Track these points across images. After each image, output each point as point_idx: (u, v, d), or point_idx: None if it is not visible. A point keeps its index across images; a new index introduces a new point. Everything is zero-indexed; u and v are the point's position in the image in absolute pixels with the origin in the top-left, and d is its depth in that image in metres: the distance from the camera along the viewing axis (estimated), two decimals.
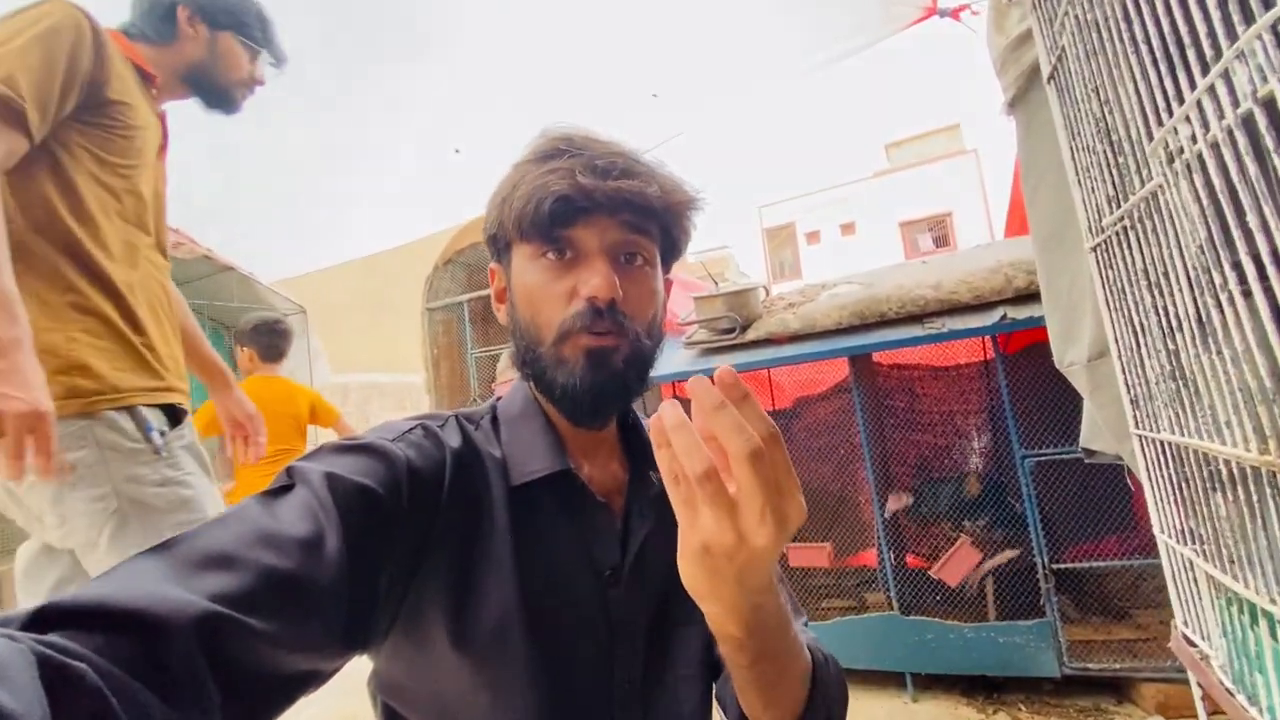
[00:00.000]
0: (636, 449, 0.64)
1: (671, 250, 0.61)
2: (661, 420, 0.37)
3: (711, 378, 0.36)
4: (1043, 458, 1.89)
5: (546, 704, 0.52)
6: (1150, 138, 0.45)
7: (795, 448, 2.77)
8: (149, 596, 0.33)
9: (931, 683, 2.08)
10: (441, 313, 3.45)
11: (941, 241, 16.86)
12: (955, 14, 2.53)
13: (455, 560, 0.52)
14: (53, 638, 0.29)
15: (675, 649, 0.61)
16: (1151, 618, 2.05)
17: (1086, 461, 0.89)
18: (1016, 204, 2.83)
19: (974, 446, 2.60)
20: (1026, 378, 2.05)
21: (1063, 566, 1.90)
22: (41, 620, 0.30)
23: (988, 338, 2.16)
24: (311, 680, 0.42)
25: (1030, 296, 1.93)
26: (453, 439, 0.56)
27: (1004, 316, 1.89)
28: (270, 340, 2.52)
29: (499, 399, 0.64)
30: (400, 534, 0.48)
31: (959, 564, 2.02)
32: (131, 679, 0.29)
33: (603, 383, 0.53)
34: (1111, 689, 1.92)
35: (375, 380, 7.23)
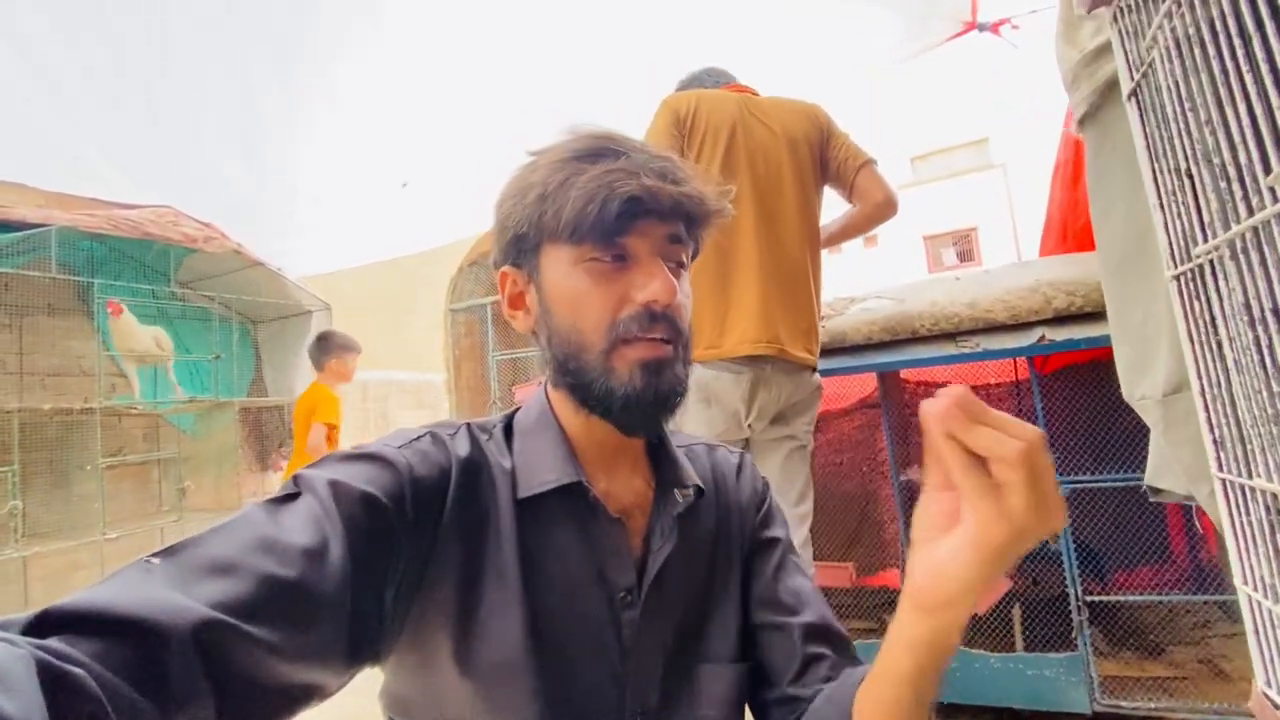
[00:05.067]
0: (663, 463, 0.61)
1: (695, 253, 0.60)
2: (945, 417, 0.36)
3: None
4: (1079, 485, 1.83)
5: None
6: (1266, 164, 0.41)
7: (818, 463, 2.72)
8: (148, 603, 0.32)
9: (955, 712, 2.02)
10: (464, 314, 3.46)
11: (966, 256, 16.66)
12: (995, 28, 2.48)
13: (460, 575, 0.50)
14: (52, 642, 0.29)
15: (700, 686, 0.57)
16: (1188, 655, 1.97)
17: (1152, 500, 0.85)
18: (1052, 222, 2.76)
19: None
20: (1061, 401, 1.99)
21: (1097, 599, 1.84)
22: (42, 625, 0.30)
23: (1021, 359, 2.10)
24: (314, 693, 0.41)
25: (1069, 318, 1.88)
26: (461, 448, 0.55)
27: (1042, 338, 1.84)
28: (311, 355, 3.06)
29: (517, 409, 0.62)
30: (405, 544, 0.47)
31: (988, 590, 1.96)
32: (128, 686, 0.29)
33: (666, 391, 0.52)
34: None
35: (395, 378, 7.29)
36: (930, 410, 0.37)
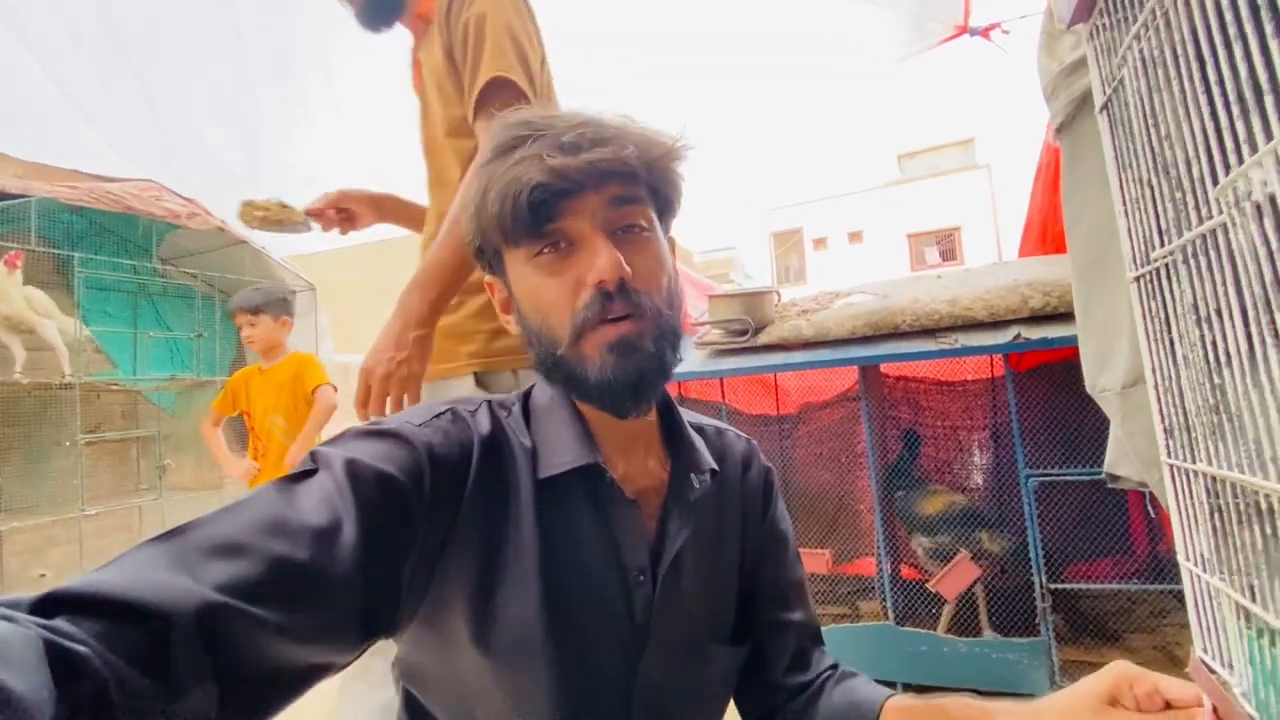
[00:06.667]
0: (678, 445, 0.62)
1: (666, 208, 0.58)
2: None
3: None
4: (1048, 478, 1.90)
5: (564, 704, 0.51)
6: (1214, 177, 0.46)
7: (799, 453, 2.79)
8: (153, 586, 0.33)
9: (922, 693, 2.10)
10: None
11: (948, 255, 16.87)
12: (985, 33, 2.53)
13: (479, 553, 0.51)
14: (58, 623, 0.29)
15: (710, 665, 0.60)
16: (1144, 642, 2.07)
17: (1110, 486, 0.90)
18: (1032, 225, 2.84)
19: (975, 462, 2.61)
20: (1034, 397, 2.06)
21: (1060, 587, 1.92)
22: (47, 605, 0.31)
23: (997, 355, 2.17)
24: (324, 670, 0.41)
25: (1045, 317, 1.94)
26: (483, 425, 0.55)
27: (1018, 335, 1.90)
28: None
29: (533, 386, 0.62)
30: (422, 523, 0.47)
31: (957, 578, 2.04)
32: (131, 668, 0.30)
33: (638, 368, 0.51)
34: None
35: None
36: None
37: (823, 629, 1.98)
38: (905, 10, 2.28)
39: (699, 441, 0.63)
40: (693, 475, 0.60)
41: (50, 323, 3.18)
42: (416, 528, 0.47)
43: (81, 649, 0.28)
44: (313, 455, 0.46)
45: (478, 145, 1.08)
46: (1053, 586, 1.90)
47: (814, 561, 2.42)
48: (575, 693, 0.52)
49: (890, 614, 2.10)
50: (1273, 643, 0.47)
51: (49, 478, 3.32)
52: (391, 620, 0.47)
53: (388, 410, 0.96)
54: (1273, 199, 0.39)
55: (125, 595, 0.31)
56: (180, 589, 0.33)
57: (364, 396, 0.97)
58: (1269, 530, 0.45)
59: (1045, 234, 2.57)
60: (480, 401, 0.59)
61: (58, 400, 3.27)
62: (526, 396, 0.61)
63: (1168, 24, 0.52)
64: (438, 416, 0.53)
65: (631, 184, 0.52)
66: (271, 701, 0.38)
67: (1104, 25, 0.67)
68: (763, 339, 2.33)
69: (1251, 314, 0.43)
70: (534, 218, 0.49)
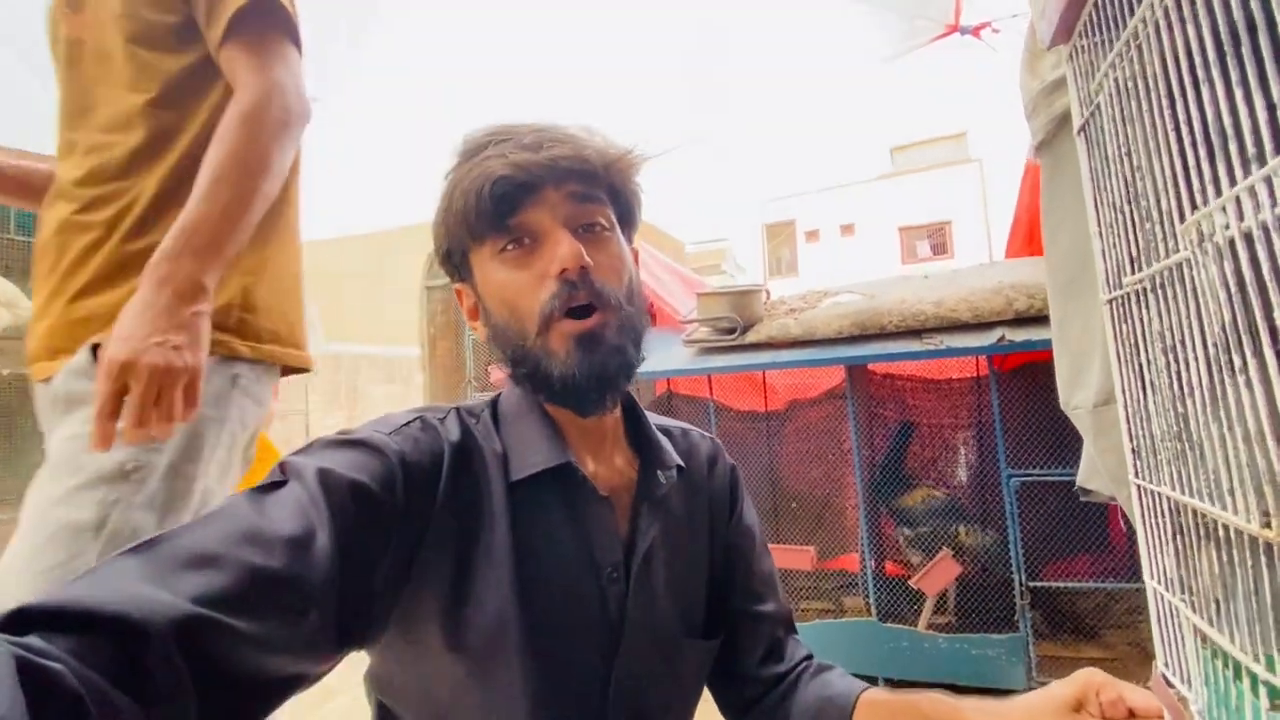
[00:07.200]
0: (644, 446, 0.63)
1: (627, 216, 0.59)
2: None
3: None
4: (1028, 478, 1.93)
5: (539, 701, 0.52)
6: (1180, 212, 0.47)
7: (786, 450, 2.81)
8: (128, 599, 0.33)
9: (898, 686, 2.13)
10: (441, 291, 3.43)
11: (939, 249, 16.93)
12: (976, 31, 2.53)
13: (453, 558, 0.52)
14: (30, 639, 0.29)
15: (683, 659, 0.61)
16: (1119, 638, 2.12)
17: (1082, 499, 0.92)
18: (1020, 223, 2.85)
19: (960, 460, 2.64)
20: (1017, 397, 2.09)
21: (1038, 585, 1.95)
22: (19, 621, 0.30)
23: (982, 356, 2.19)
24: (301, 680, 0.41)
25: (1029, 320, 1.96)
26: (453, 432, 0.55)
27: (1002, 338, 1.92)
28: None
29: (499, 394, 0.63)
30: (395, 531, 0.48)
31: (939, 575, 2.07)
32: (107, 683, 0.29)
33: (602, 362, 0.52)
34: None
35: (367, 352, 7.19)
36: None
37: (807, 625, 2.01)
38: (897, 8, 2.28)
39: (664, 441, 0.64)
40: (659, 472, 0.61)
41: (2, 310, 2.99)
42: (390, 536, 0.47)
43: (55, 666, 0.27)
44: (282, 466, 0.46)
45: (196, 64, 0.86)
46: (1032, 584, 1.93)
47: (799, 558, 2.44)
48: (551, 690, 0.52)
49: (873, 610, 2.13)
50: (1226, 665, 0.49)
51: (32, 470, 3.27)
52: (366, 629, 0.47)
53: (154, 422, 0.68)
54: (1233, 243, 0.40)
55: (99, 609, 0.31)
56: (157, 602, 0.33)
57: (113, 403, 0.66)
58: (1225, 558, 0.46)
59: (1032, 233, 2.58)
60: (448, 409, 0.59)
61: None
62: (494, 403, 0.61)
63: (1141, 54, 0.52)
64: (407, 425, 0.54)
65: (591, 183, 0.54)
66: (250, 713, 0.38)
67: (1084, 47, 0.68)
68: (751, 337, 2.33)
69: (1213, 352, 0.44)
70: (496, 210, 0.51)
